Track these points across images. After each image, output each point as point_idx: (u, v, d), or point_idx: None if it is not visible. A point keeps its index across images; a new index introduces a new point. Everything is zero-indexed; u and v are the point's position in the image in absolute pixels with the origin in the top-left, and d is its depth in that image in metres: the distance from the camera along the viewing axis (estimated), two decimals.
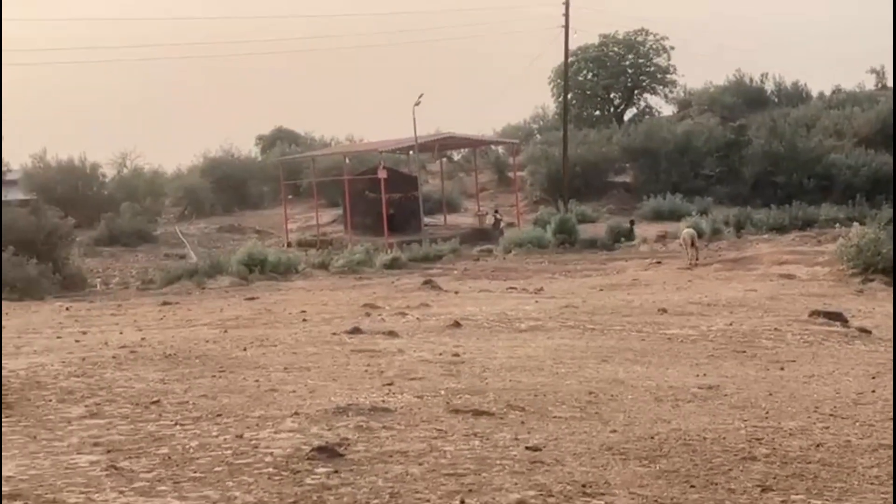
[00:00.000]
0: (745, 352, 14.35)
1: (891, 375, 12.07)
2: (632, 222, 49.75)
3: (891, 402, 10.35)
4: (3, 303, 27.97)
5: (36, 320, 21.66)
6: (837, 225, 41.45)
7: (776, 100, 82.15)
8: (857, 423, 9.35)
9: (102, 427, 9.14)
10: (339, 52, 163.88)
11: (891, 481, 7.40)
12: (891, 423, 9.33)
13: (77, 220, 46.09)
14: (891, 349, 14.68)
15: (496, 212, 59.96)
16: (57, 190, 62.60)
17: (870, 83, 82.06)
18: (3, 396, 10.59)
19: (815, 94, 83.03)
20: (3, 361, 13.13)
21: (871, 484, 7.33)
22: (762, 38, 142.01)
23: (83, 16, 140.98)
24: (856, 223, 33.56)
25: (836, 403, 10.35)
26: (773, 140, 63.09)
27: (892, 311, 20.08)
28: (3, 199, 49.68)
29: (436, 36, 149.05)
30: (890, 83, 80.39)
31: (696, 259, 34.76)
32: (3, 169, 55.07)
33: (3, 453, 8.07)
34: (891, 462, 7.93)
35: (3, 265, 32.51)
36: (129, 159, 74.98)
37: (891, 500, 6.96)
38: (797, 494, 7.07)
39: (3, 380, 11.48)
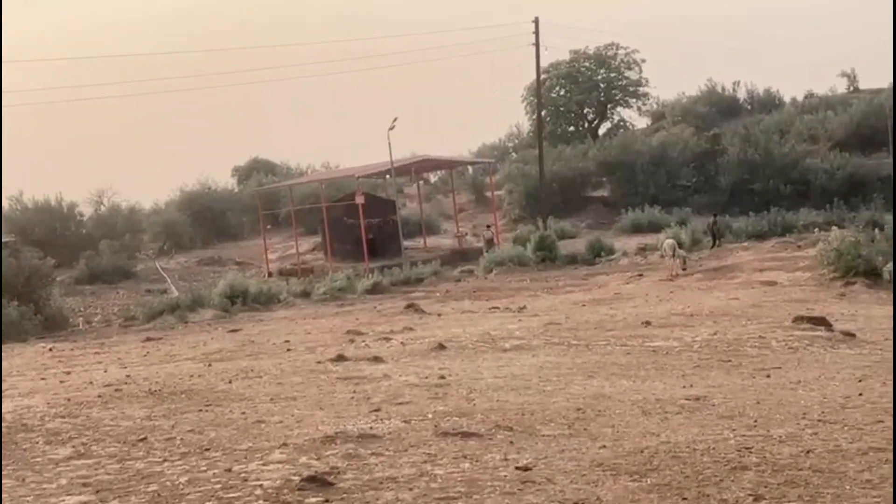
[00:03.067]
0: (730, 361, 14.37)
1: (878, 379, 12.09)
2: (714, 218, 48.15)
3: (879, 406, 10.36)
4: None
5: (19, 363, 21.56)
6: (816, 229, 41.58)
7: (749, 107, 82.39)
8: (846, 428, 9.36)
9: (90, 467, 9.11)
10: (311, 80, 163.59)
11: (884, 485, 7.41)
12: (880, 426, 9.35)
13: (56, 260, 45.97)
14: (876, 352, 14.72)
15: (488, 227, 59.98)
16: (35, 231, 62.45)
17: (842, 86, 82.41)
18: None
19: (787, 99, 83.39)
20: None
21: (863, 488, 7.34)
22: (733, 46, 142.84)
23: (50, 56, 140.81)
24: (834, 227, 33.64)
25: (823, 409, 10.36)
26: (747, 148, 63.20)
27: (881, 314, 20.16)
28: None
29: (406, 60, 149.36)
30: (861, 86, 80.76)
31: (684, 267, 34.76)
32: None
33: None
34: (883, 465, 7.93)
35: None
36: (105, 197, 74.92)
37: None
38: (790, 502, 7.07)
39: None
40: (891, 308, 21.12)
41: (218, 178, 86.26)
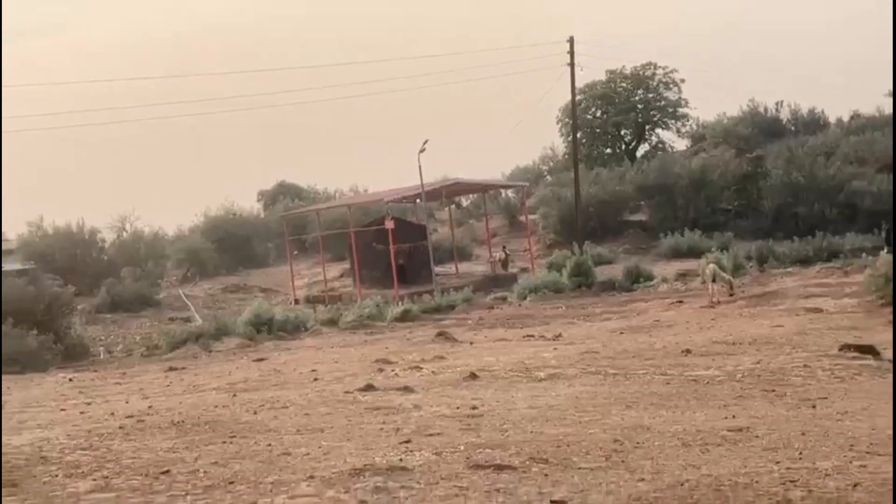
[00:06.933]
0: (774, 391, 14.28)
1: None
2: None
3: None
4: (6, 378, 27.97)
5: (38, 393, 21.61)
6: (864, 255, 41.24)
7: (793, 128, 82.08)
8: None
9: (111, 501, 9.11)
10: (339, 101, 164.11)
11: None
12: None
13: (77, 288, 46.15)
14: None
15: (503, 248, 60.36)
16: (55, 257, 62.72)
17: (888, 107, 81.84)
18: (7, 474, 10.58)
19: (832, 120, 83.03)
20: (7, 438, 13.13)
21: None
22: (775, 66, 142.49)
23: (72, 79, 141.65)
24: (883, 251, 33.37)
25: (872, 440, 10.28)
26: (791, 170, 62.96)
27: None
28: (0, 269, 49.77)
29: (438, 81, 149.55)
30: None
31: (731, 293, 34.60)
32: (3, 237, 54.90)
33: None
34: None
35: (2, 338, 32.53)
36: (128, 222, 75.21)
37: None
38: None
39: (6, 457, 11.48)
40: None
41: (243, 203, 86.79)
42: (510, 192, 76.62)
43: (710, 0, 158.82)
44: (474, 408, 13.74)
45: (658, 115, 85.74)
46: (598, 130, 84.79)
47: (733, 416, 12.20)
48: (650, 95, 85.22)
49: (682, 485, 8.66)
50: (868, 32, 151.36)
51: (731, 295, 34.43)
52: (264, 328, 35.81)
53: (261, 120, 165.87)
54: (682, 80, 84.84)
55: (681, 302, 35.59)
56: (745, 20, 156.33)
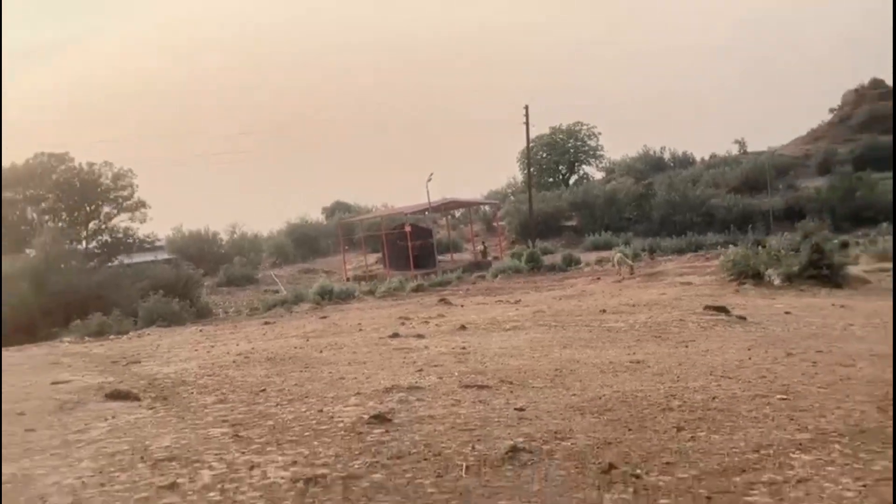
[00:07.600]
0: (660, 336, 14.28)
1: (761, 348, 12.00)
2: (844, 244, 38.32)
3: (762, 367, 10.29)
4: (158, 329, 28.01)
5: (179, 339, 21.63)
6: (718, 247, 41.26)
7: (672, 164, 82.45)
8: (740, 382, 9.30)
9: (228, 409, 9.14)
10: (376, 143, 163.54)
11: (766, 420, 7.39)
12: (763, 380, 9.29)
13: (204, 271, 46.32)
14: (761, 330, 14.59)
15: (483, 243, 60.73)
16: (190, 250, 62.93)
17: (735, 150, 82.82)
18: (159, 392, 10.62)
19: (698, 159, 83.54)
20: (160, 368, 13.16)
21: (752, 422, 7.33)
22: (661, 121, 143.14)
23: (198, 127, 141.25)
24: (731, 245, 33.38)
25: (724, 368, 10.30)
26: (671, 192, 63.34)
27: (763, 304, 19.98)
28: (154, 259, 49.77)
29: (441, 130, 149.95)
30: (749, 149, 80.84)
31: (632, 273, 34.49)
32: (153, 237, 54.63)
33: (162, 430, 8.08)
34: (765, 407, 7.90)
35: (156, 304, 32.64)
36: (237, 227, 75.84)
37: (765, 432, 6.93)
38: (701, 432, 7.06)
39: (161, 379, 11.52)
40: (771, 301, 20.96)
41: (311, 214, 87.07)
42: (487, 207, 76.78)
43: (620, 72, 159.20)
44: (464, 348, 13.75)
45: (583, 157, 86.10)
46: (544, 166, 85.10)
47: (633, 353, 12.20)
48: (578, 143, 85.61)
49: (600, 398, 8.68)
50: (724, 98, 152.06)
51: (632, 274, 34.35)
52: (327, 296, 35.77)
53: (326, 154, 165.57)
54: (600, 133, 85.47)
55: (599, 279, 35.53)
56: (640, 84, 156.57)
